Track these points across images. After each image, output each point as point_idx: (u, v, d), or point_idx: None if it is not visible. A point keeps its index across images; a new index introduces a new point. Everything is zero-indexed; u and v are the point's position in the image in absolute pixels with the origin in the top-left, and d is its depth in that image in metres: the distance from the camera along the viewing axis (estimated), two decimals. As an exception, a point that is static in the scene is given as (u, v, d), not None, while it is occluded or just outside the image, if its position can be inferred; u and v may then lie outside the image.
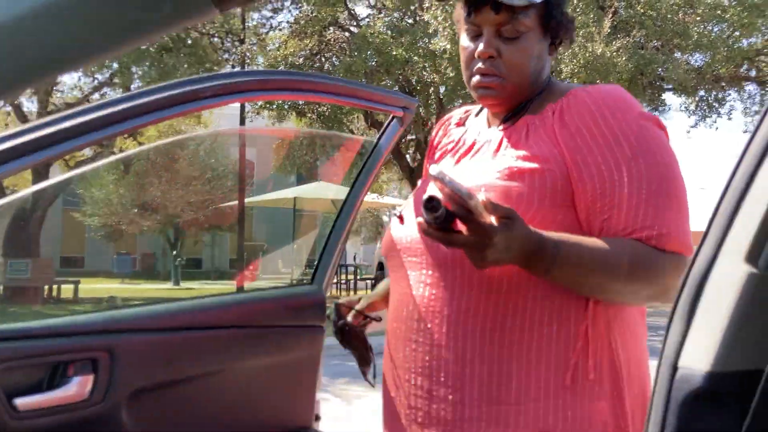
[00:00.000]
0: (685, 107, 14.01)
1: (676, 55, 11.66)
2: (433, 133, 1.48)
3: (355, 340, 1.53)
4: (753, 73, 13.30)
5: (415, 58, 13.40)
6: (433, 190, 1.13)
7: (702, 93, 13.46)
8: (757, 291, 0.62)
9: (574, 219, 1.16)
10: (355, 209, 2.28)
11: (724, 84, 13.10)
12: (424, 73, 13.19)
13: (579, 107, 1.18)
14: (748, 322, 0.62)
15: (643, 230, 1.11)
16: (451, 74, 12.66)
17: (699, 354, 0.63)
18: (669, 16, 11.02)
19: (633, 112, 1.18)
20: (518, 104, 1.26)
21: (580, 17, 10.75)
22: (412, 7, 14.62)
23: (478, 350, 1.15)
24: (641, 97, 12.62)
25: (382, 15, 14.97)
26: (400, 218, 1.30)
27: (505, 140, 1.23)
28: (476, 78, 1.23)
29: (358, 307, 1.55)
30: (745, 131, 14.02)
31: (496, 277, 1.14)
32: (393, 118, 2.08)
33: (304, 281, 2.42)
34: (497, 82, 1.22)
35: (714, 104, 13.52)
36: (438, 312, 1.19)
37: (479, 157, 1.27)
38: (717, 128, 14.22)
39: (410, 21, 14.92)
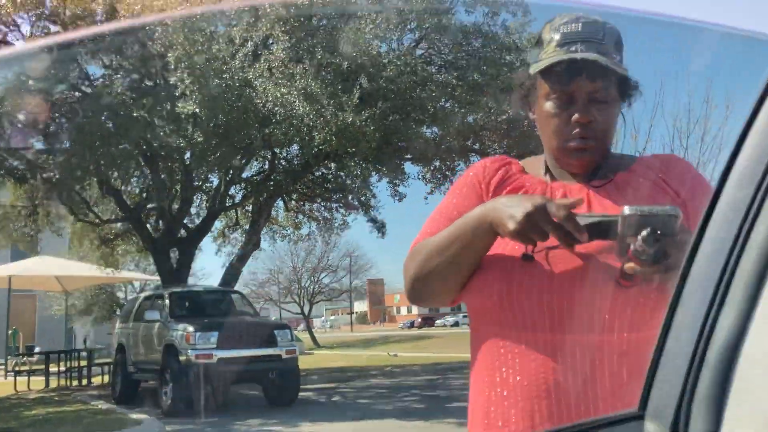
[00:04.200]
0: (422, 176, 15.18)
1: (415, 127, 12.57)
2: (488, 169, 1.41)
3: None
4: (477, 146, 14.88)
5: (158, 121, 12.69)
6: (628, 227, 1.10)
7: (437, 163, 14.69)
8: None
9: None
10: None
11: (455, 155, 14.44)
12: (170, 137, 12.52)
13: (680, 164, 1.36)
14: None
15: None
16: (199, 139, 12.18)
17: None
18: (407, 91, 11.87)
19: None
20: (599, 164, 1.35)
21: (329, 88, 11.09)
22: (153, 69, 13.92)
23: None
24: (387, 165, 13.35)
25: (119, 75, 14.02)
26: (527, 256, 1.22)
27: (606, 196, 1.30)
28: (575, 142, 1.30)
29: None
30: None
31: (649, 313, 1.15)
32: None
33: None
34: (593, 144, 1.30)
35: (447, 173, 14.84)
36: (606, 374, 1.16)
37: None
38: (452, 194, 16.07)
39: (151, 83, 14.18)
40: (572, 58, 1.24)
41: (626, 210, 1.08)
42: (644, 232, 1.06)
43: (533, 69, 1.30)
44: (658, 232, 1.05)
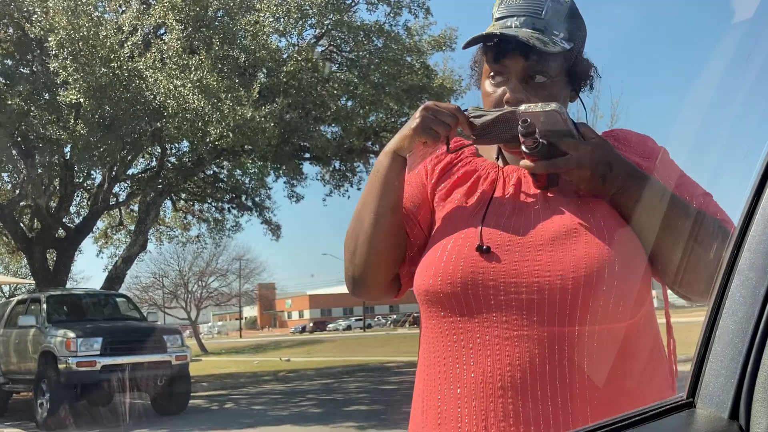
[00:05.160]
0: (321, 176, 14.91)
1: (319, 127, 12.33)
2: (435, 154, 1.33)
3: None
4: (377, 147, 14.80)
5: (36, 110, 11.75)
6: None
7: (336, 163, 14.47)
8: None
9: None
10: None
11: (355, 156, 14.29)
12: (48, 128, 11.60)
13: (627, 134, 1.29)
14: None
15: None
16: (83, 132, 11.36)
17: None
18: (308, 88, 11.61)
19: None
20: None
21: (226, 81, 10.65)
22: (30, 55, 12.91)
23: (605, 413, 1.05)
24: (287, 164, 12.99)
25: (-11, 61, 12.87)
26: (483, 249, 1.14)
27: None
28: None
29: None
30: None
31: (621, 307, 1.08)
32: None
33: None
34: None
35: (347, 174, 14.64)
36: (567, 373, 1.08)
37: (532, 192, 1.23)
38: (349, 197, 15.94)
39: (28, 69, 13.14)
40: (490, 34, 1.19)
41: (516, 111, 1.13)
42: (520, 127, 1.10)
43: (464, 45, 1.26)
44: (529, 121, 1.09)
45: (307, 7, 11.92)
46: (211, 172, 16.71)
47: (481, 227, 1.17)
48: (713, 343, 0.68)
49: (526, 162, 1.14)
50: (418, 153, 1.22)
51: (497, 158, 1.30)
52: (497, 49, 1.20)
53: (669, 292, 1.22)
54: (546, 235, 1.13)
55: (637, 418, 0.75)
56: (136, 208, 17.16)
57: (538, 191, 1.21)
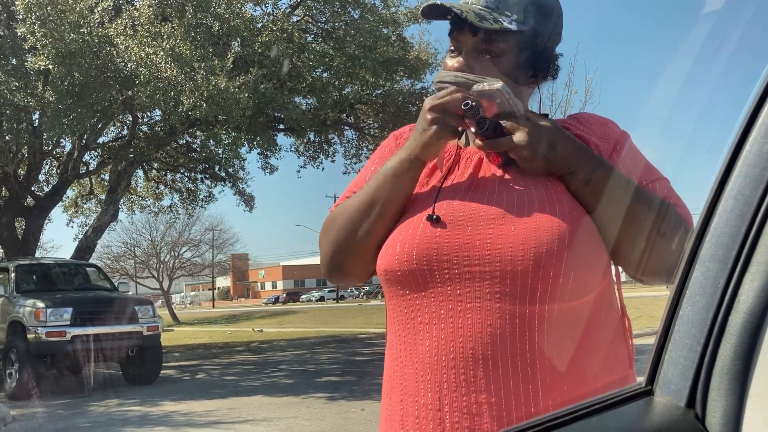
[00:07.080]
0: (295, 148, 14.82)
1: (294, 98, 12.19)
2: (391, 142, 1.38)
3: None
4: (352, 120, 14.71)
5: (3, 76, 11.48)
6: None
7: (311, 135, 14.38)
8: None
9: None
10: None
11: (329, 128, 14.19)
12: (16, 95, 11.34)
13: (591, 118, 1.31)
14: None
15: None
16: (52, 99, 11.13)
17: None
18: (283, 58, 11.47)
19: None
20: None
21: (200, 50, 10.48)
22: (-2, 18, 12.56)
23: (556, 390, 1.09)
24: (262, 135, 12.87)
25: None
26: (434, 220, 1.17)
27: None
28: None
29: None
30: (345, 172, 15.52)
31: (579, 284, 1.10)
32: None
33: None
34: None
35: (324, 145, 14.57)
36: (517, 342, 1.09)
37: (487, 172, 1.25)
38: (323, 169, 16.00)
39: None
40: (433, 4, 1.22)
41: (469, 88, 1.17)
42: (463, 106, 1.14)
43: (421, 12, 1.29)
44: (471, 104, 1.13)
45: (283, -24, 11.74)
46: (184, 142, 16.51)
47: (435, 201, 1.19)
48: (673, 331, 0.69)
49: (477, 141, 1.19)
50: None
51: (459, 138, 1.30)
52: (452, 25, 1.24)
53: (624, 275, 1.23)
54: (499, 210, 1.14)
55: (596, 406, 0.75)
56: (106, 177, 16.93)
57: (497, 170, 1.22)
